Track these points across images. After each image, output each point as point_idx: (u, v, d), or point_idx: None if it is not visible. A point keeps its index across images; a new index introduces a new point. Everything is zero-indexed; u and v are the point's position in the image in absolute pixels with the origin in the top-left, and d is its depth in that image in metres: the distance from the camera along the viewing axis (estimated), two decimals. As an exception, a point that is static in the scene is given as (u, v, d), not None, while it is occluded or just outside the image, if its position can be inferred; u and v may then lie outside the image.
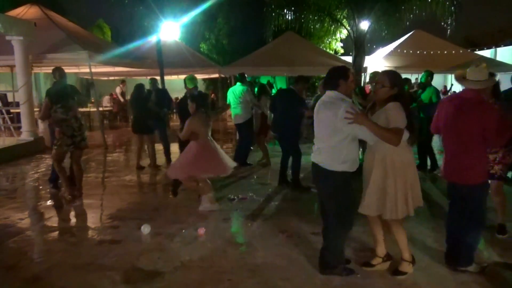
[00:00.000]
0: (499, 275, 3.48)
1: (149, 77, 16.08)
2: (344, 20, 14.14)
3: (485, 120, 3.19)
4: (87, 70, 10.50)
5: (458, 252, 3.49)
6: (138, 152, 7.74)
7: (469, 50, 14.50)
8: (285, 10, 13.38)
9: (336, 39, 18.14)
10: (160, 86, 9.34)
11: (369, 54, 16.29)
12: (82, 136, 5.72)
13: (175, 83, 20.80)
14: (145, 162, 7.82)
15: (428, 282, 3.35)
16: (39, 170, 7.70)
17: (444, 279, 3.40)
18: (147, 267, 3.62)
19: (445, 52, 13.68)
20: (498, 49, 15.89)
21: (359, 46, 13.26)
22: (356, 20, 12.78)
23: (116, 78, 17.57)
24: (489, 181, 3.97)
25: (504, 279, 3.42)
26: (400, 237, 3.39)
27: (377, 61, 14.89)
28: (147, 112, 7.37)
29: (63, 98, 5.52)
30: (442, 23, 11.95)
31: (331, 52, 17.87)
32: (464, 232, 3.44)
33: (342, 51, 19.53)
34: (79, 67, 12.41)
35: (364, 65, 13.98)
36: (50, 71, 13.99)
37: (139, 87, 7.55)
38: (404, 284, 3.32)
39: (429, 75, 7.06)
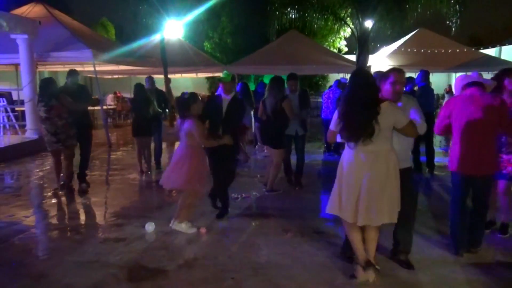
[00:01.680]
0: (502, 275, 3.48)
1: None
2: (348, 18, 14.11)
3: (503, 113, 3.56)
4: (91, 68, 10.53)
5: (473, 237, 3.81)
6: (138, 156, 7.29)
7: (473, 49, 14.43)
8: (289, 9, 13.36)
9: (340, 37, 18.10)
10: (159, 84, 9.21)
11: (373, 52, 16.26)
12: (67, 134, 5.70)
13: (178, 82, 20.85)
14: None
15: (431, 281, 3.36)
16: (43, 168, 7.74)
17: (447, 279, 3.40)
18: (151, 264, 3.64)
19: (449, 50, 13.62)
20: (503, 47, 15.80)
21: (362, 44, 13.25)
22: (360, 19, 12.76)
23: (120, 76, 17.62)
24: (499, 181, 4.08)
25: (507, 279, 3.42)
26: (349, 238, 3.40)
27: (381, 59, 14.85)
28: (149, 114, 7.06)
29: (44, 97, 5.62)
30: (447, 22, 11.91)
31: (335, 50, 17.83)
32: (479, 218, 3.81)
33: (346, 49, 19.48)
34: (83, 66, 12.45)
35: (368, 64, 13.96)
36: (55, 69, 14.04)
37: (140, 87, 7.15)
38: (407, 283, 3.33)
39: (423, 74, 7.15)
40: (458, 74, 16.11)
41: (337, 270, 3.55)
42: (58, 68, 13.69)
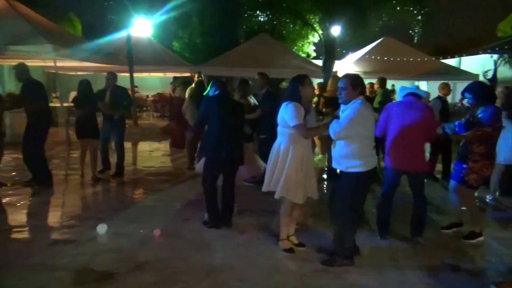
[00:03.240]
0: (447, 277, 3.60)
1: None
2: (316, 24, 14.30)
3: (430, 118, 4.15)
4: (57, 64, 10.18)
5: (414, 228, 4.26)
6: (81, 159, 6.69)
7: (433, 58, 14.94)
8: (258, 12, 13.41)
9: (309, 42, 18.32)
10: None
11: (340, 58, 16.55)
12: None
13: (147, 81, 20.53)
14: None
15: (379, 283, 3.44)
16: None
17: (394, 281, 3.49)
18: (100, 268, 3.54)
19: (411, 59, 14.04)
20: (463, 58, 16.46)
21: (329, 50, 13.45)
22: (327, 25, 12.97)
23: (85, 73, 17.14)
24: (463, 188, 4.37)
25: (451, 281, 3.54)
26: None
27: (348, 65, 15.13)
28: (93, 114, 6.48)
29: None
30: (410, 31, 12.32)
31: (303, 55, 18.02)
32: (420, 212, 4.24)
33: (314, 54, 19.71)
34: (45, 61, 12.03)
35: (335, 69, 14.19)
36: (15, 63, 13.43)
37: (84, 84, 6.46)
38: (356, 285, 3.39)
39: (380, 81, 7.56)
40: (421, 83, 16.66)
41: (290, 272, 3.58)
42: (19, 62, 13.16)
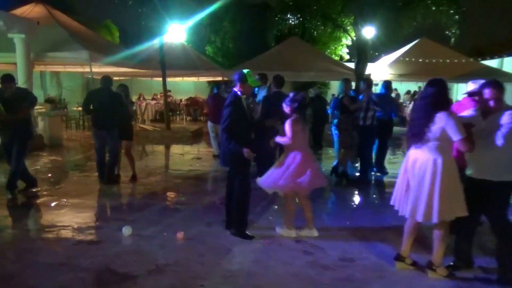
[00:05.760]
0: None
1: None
2: (350, 26, 14.07)
3: None
4: (93, 69, 10.56)
5: None
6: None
7: (471, 59, 14.28)
8: (289, 15, 13.35)
9: (342, 45, 18.05)
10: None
11: (373, 61, 16.20)
12: None
13: (180, 85, 20.92)
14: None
15: None
16: (34, 167, 7.71)
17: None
18: (121, 269, 3.59)
19: (447, 61, 13.50)
20: (505, 59, 15.66)
21: (361, 52, 13.19)
22: (359, 26, 12.72)
23: (121, 78, 17.68)
24: None
25: None
26: None
27: (382, 68, 14.79)
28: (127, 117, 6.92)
29: None
30: (447, 32, 11.85)
31: (336, 58, 17.78)
32: None
33: (347, 57, 19.41)
34: (83, 67, 12.49)
35: (368, 72, 13.89)
36: (57, 70, 13.97)
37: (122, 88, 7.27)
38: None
39: (386, 84, 7.46)
40: (459, 85, 15.98)
41: (308, 280, 3.48)
42: (59, 68, 13.77)
